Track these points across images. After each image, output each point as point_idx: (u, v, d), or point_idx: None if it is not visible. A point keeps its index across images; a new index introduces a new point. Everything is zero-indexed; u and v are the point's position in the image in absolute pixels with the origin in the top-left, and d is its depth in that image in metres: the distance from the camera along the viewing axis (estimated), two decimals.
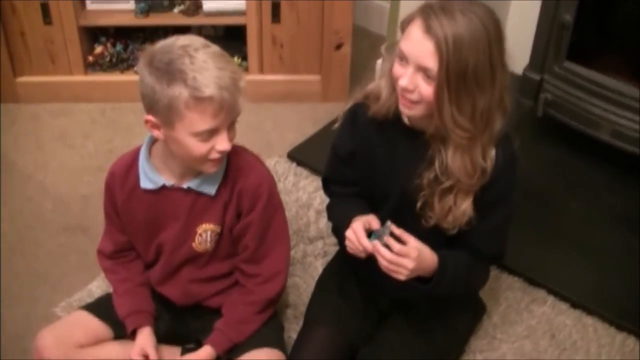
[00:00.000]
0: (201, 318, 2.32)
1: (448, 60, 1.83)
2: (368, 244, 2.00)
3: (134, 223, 2.22)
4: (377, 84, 2.13)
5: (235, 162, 2.14)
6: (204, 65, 1.89)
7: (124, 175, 2.17)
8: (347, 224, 2.08)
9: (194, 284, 2.27)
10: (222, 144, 1.99)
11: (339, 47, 3.41)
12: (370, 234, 2.03)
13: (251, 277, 2.22)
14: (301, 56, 3.49)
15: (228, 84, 1.90)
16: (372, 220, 2.05)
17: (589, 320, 2.58)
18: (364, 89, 2.17)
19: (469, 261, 2.12)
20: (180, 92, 1.88)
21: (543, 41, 3.10)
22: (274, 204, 2.20)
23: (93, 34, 3.61)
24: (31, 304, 2.66)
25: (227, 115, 1.95)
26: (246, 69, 3.53)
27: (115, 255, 2.31)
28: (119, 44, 3.60)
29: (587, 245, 2.81)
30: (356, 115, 2.16)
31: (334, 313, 2.29)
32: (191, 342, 2.30)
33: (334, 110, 3.27)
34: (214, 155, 2.01)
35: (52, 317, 2.56)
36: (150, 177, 2.12)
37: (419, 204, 2.06)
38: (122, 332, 2.26)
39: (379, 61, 3.51)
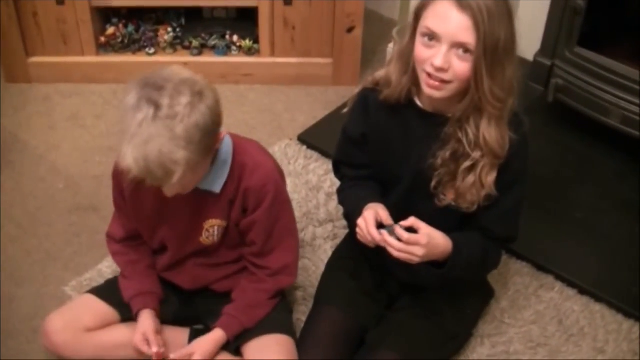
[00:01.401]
0: (209, 301, 2.32)
1: (485, 33, 1.84)
2: (376, 234, 2.00)
3: (141, 214, 2.23)
4: (387, 69, 2.11)
5: (240, 160, 2.12)
6: (136, 131, 1.83)
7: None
8: (359, 211, 2.09)
9: (201, 270, 2.29)
10: (164, 190, 2.01)
11: (350, 30, 3.41)
12: (380, 225, 2.03)
13: (261, 269, 2.23)
14: (313, 39, 3.48)
15: (153, 168, 1.85)
16: (383, 215, 2.05)
17: (597, 307, 2.58)
18: (373, 76, 2.16)
19: (484, 244, 2.13)
20: (122, 140, 1.87)
21: (555, 26, 3.09)
22: (280, 202, 2.18)
23: (105, 15, 3.60)
24: (42, 283, 2.67)
25: (154, 181, 1.93)
26: (258, 52, 3.53)
27: (125, 240, 2.32)
28: (131, 25, 3.59)
29: (596, 232, 2.81)
30: (367, 100, 2.16)
31: (344, 295, 2.31)
32: (200, 324, 2.32)
33: (345, 93, 3.30)
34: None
35: (63, 297, 2.58)
36: None
37: (433, 183, 2.06)
38: (130, 315, 2.28)
39: (391, 45, 3.50)
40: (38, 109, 3.45)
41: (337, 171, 2.40)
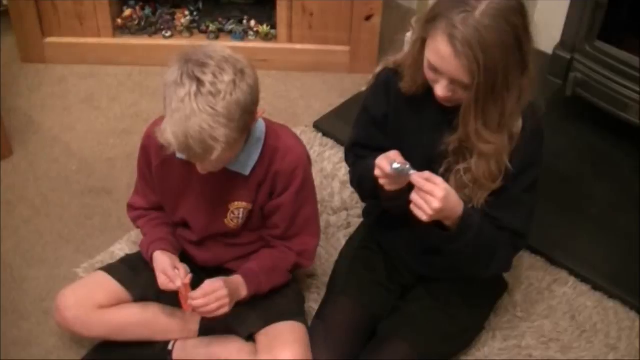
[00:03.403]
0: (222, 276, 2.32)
1: (480, 70, 1.81)
2: (388, 168, 1.95)
3: (166, 187, 2.22)
4: (403, 62, 2.09)
5: (272, 143, 2.12)
6: (178, 106, 1.85)
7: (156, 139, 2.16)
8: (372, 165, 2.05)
9: (221, 248, 2.28)
10: (197, 167, 2.01)
11: (368, 18, 3.39)
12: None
13: (283, 247, 2.24)
14: (331, 26, 3.46)
15: (193, 145, 1.86)
16: (397, 156, 1.99)
17: (610, 304, 2.57)
18: (395, 57, 2.14)
19: (495, 231, 2.07)
20: (165, 113, 1.90)
21: (576, 20, 3.05)
22: (307, 188, 2.19)
23: None
24: (54, 265, 2.67)
25: (193, 157, 1.95)
26: (275, 37, 3.52)
27: (146, 210, 2.33)
28: (147, 7, 3.59)
29: (612, 228, 2.79)
30: (389, 81, 2.13)
31: (358, 284, 2.31)
32: None
33: (361, 81, 3.28)
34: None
35: (74, 278, 2.58)
36: None
37: (441, 170, 2.04)
38: (141, 296, 2.28)
39: (408, 34, 3.47)
40: (53, 90, 3.44)
41: (350, 155, 2.35)
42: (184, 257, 2.32)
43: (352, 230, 2.67)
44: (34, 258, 2.70)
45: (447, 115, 2.00)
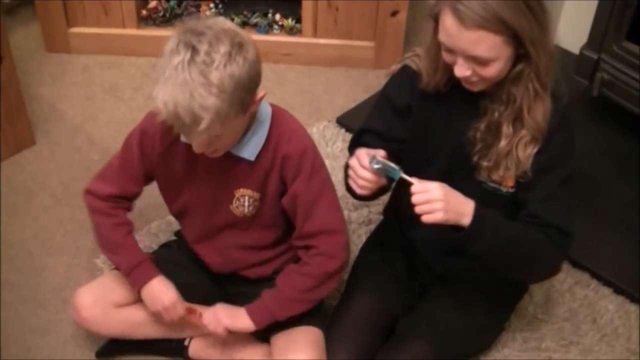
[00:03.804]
0: (240, 284, 2.31)
1: (496, 37, 1.79)
2: (366, 172, 1.93)
3: (169, 174, 2.18)
4: (419, 65, 2.07)
5: (277, 129, 2.07)
6: (178, 81, 1.80)
7: (161, 123, 2.09)
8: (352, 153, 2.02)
9: (234, 250, 2.25)
10: (193, 145, 1.96)
11: (394, 14, 3.37)
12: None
13: (307, 249, 2.15)
14: (356, 21, 3.44)
15: (182, 113, 1.81)
16: (378, 151, 1.95)
17: (632, 308, 2.55)
18: (416, 54, 2.11)
19: (528, 228, 2.01)
20: (158, 80, 1.85)
21: (603, 20, 3.02)
22: (320, 175, 2.12)
23: None
24: (74, 254, 2.68)
25: (179, 131, 1.92)
26: (299, 31, 3.51)
27: (111, 198, 2.25)
28: None
29: (636, 231, 2.75)
30: (414, 76, 2.08)
31: (377, 282, 2.29)
32: None
33: (386, 77, 3.25)
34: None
35: (94, 268, 2.60)
36: None
37: (475, 158, 2.01)
38: None
39: None
40: (76, 80, 3.45)
41: (357, 143, 2.19)
42: (196, 264, 2.32)
43: (373, 227, 2.65)
44: (54, 247, 2.71)
45: (473, 103, 1.98)
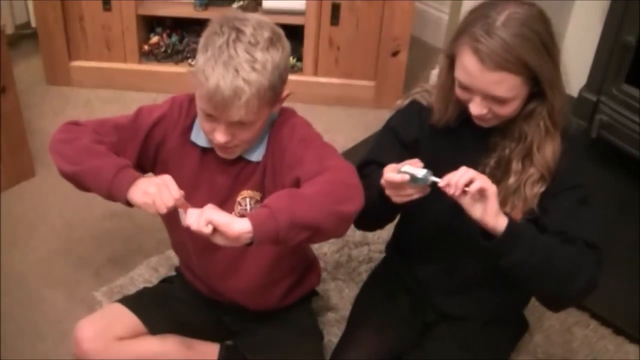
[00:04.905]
0: (241, 322, 2.30)
1: (516, 78, 1.81)
2: (397, 175, 1.87)
3: (180, 173, 2.03)
4: (429, 100, 2.08)
5: (277, 132, 2.05)
6: (223, 57, 1.83)
7: (183, 117, 2.09)
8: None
9: (234, 265, 2.16)
10: (217, 134, 1.93)
11: (395, 54, 3.41)
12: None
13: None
14: (357, 61, 3.49)
15: (224, 87, 1.82)
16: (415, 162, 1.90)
17: (631, 348, 2.56)
18: (423, 88, 2.13)
19: (564, 243, 1.95)
20: (199, 58, 1.88)
21: (602, 62, 3.07)
22: (312, 135, 2.07)
23: (150, 24, 3.64)
24: (73, 287, 2.67)
25: (216, 110, 1.88)
26: (300, 70, 3.53)
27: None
28: (174, 35, 3.62)
29: (636, 272, 2.76)
30: (422, 111, 2.10)
31: (379, 319, 2.28)
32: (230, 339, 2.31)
33: (386, 117, 3.24)
34: (215, 141, 1.96)
35: (92, 302, 2.59)
36: (203, 134, 2.04)
37: None
38: (159, 330, 2.23)
39: (434, 71, 3.49)
40: (78, 113, 3.44)
41: (359, 174, 2.02)
42: (198, 301, 2.29)
43: (373, 265, 2.66)
44: (53, 279, 2.70)
45: (482, 138, 1.99)
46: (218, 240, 1.75)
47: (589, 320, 2.63)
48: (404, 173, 1.86)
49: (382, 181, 1.91)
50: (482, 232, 1.89)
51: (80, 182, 2.04)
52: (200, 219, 1.73)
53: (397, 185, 1.89)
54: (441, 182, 1.84)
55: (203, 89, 1.85)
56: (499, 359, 2.36)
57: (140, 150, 2.08)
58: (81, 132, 2.05)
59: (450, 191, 1.83)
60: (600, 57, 3.08)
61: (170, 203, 1.80)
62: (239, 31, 1.85)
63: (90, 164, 1.96)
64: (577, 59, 3.06)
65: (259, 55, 1.85)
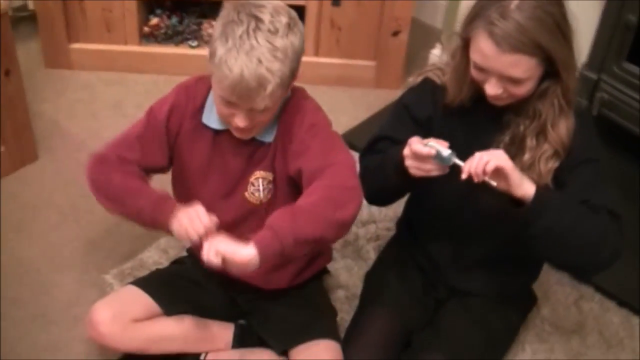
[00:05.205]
0: (253, 302, 2.31)
1: (532, 59, 1.84)
2: (424, 148, 1.91)
3: (187, 160, 2.13)
4: (442, 79, 2.10)
5: (288, 115, 2.07)
6: (245, 47, 1.84)
7: (192, 100, 2.11)
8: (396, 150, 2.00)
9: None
10: (236, 120, 1.96)
11: (396, 34, 3.42)
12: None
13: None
14: (358, 41, 3.50)
15: (249, 77, 1.84)
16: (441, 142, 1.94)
17: (636, 320, 2.61)
18: (438, 73, 2.14)
19: (589, 210, 1.98)
20: (219, 48, 1.88)
21: (604, 41, 3.09)
22: (323, 125, 2.09)
23: (150, 6, 3.62)
24: (83, 271, 2.67)
25: (239, 100, 1.90)
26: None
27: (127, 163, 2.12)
28: (174, 16, 3.61)
29: (637, 248, 2.80)
30: (435, 89, 2.11)
31: (392, 297, 2.31)
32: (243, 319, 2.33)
33: (387, 96, 3.30)
34: (233, 125, 1.99)
35: (103, 284, 2.58)
36: (215, 116, 2.08)
37: None
38: (174, 311, 2.24)
39: (433, 51, 3.51)
40: (79, 96, 3.46)
41: (369, 150, 2.22)
42: (211, 281, 2.28)
43: (381, 242, 2.69)
44: (63, 264, 2.70)
45: (496, 117, 2.02)
46: (231, 268, 1.86)
47: (594, 293, 2.68)
48: (431, 147, 1.90)
49: (406, 150, 1.95)
50: (512, 201, 1.93)
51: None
52: (210, 251, 1.83)
53: (421, 158, 1.93)
54: (463, 174, 1.89)
55: (227, 80, 1.86)
56: (510, 333, 2.40)
57: (166, 145, 2.13)
58: (108, 170, 2.11)
59: (475, 180, 1.87)
60: (602, 35, 3.10)
61: (201, 230, 1.89)
62: (257, 19, 1.86)
63: (130, 207, 2.06)
64: (577, 37, 3.08)
65: (279, 42, 1.86)
